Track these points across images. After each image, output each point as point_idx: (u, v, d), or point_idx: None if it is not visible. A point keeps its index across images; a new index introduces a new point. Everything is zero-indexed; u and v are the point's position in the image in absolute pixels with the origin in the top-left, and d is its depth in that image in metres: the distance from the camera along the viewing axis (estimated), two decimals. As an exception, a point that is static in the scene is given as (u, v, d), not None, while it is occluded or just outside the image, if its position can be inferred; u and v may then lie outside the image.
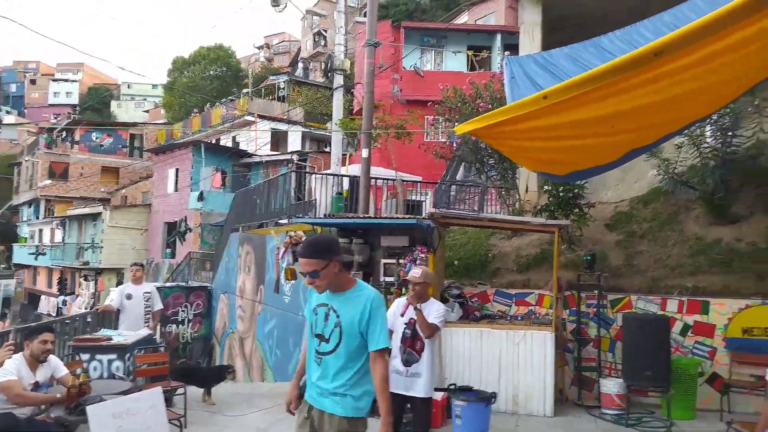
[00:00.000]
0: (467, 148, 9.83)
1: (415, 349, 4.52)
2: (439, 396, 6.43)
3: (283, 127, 29.52)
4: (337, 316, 3.01)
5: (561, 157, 4.13)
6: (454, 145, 11.84)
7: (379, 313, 2.97)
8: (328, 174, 12.69)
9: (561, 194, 8.51)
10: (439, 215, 7.52)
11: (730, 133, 8.01)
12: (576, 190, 8.53)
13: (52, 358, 4.30)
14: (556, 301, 7.27)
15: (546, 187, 8.69)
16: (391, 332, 4.65)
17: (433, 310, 4.61)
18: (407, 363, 4.51)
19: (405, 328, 4.60)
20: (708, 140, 8.38)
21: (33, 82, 79.11)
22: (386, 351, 3.00)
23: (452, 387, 4.18)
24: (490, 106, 9.67)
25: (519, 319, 7.51)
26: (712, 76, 3.26)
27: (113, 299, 7.47)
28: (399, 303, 4.80)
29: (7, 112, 66.99)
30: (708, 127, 8.30)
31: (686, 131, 7.90)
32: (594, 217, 8.85)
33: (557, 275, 7.25)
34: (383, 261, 8.02)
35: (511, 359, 6.95)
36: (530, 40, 10.25)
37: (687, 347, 7.23)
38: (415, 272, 4.66)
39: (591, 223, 8.74)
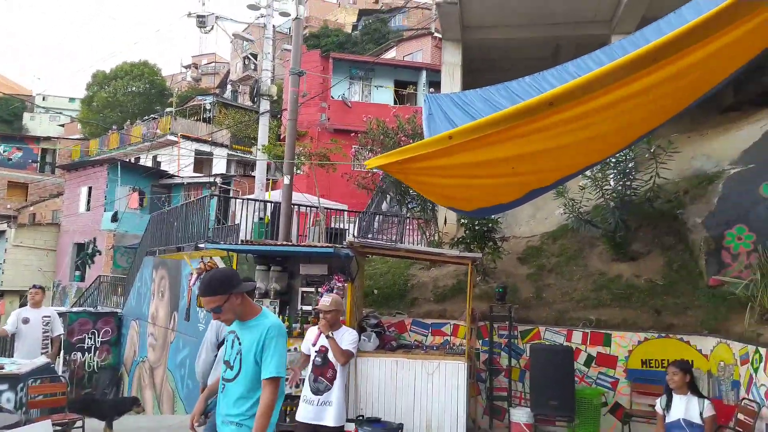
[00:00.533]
0: (389, 179, 10.03)
1: (326, 377, 4.54)
2: (352, 427, 6.44)
3: (207, 148, 28.91)
4: (239, 344, 3.08)
5: (466, 194, 4.33)
6: (380, 176, 12.05)
7: (273, 342, 3.00)
8: (250, 199, 12.53)
9: (476, 228, 8.82)
10: (359, 244, 7.58)
11: (630, 177, 8.63)
12: (490, 225, 8.88)
13: None
14: (470, 331, 7.47)
15: (463, 221, 8.99)
16: (308, 360, 4.67)
17: (346, 337, 4.65)
18: (317, 392, 4.53)
19: (316, 356, 4.63)
20: (610, 183, 8.99)
21: (-66, 87, 73.42)
22: (276, 380, 3.01)
23: (360, 418, 4.19)
24: (411, 141, 9.95)
25: (435, 348, 7.64)
26: (602, 125, 3.55)
27: (8, 323, 6.98)
28: (312, 331, 4.82)
29: None
30: (610, 171, 8.93)
31: (589, 173, 8.47)
32: (507, 251, 9.22)
33: (471, 306, 7.46)
34: (301, 289, 7.95)
35: (425, 389, 7.03)
36: (450, 80, 10.70)
37: (591, 377, 7.60)
38: (325, 300, 4.70)
39: (504, 256, 9.09)
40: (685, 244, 8.53)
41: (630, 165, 8.71)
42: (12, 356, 6.92)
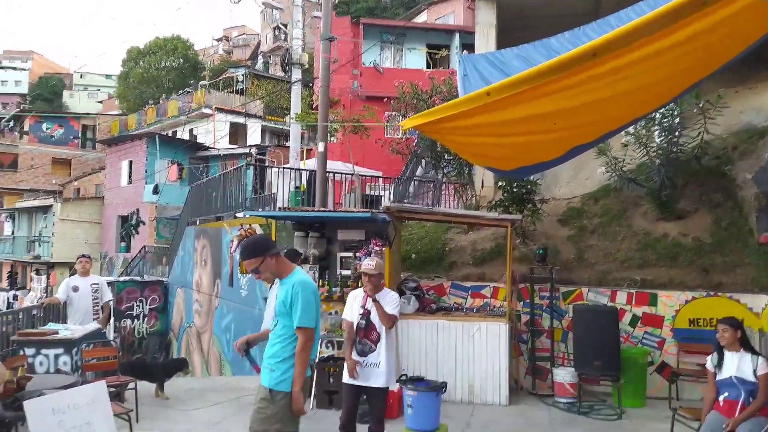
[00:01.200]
0: (424, 144, 9.89)
1: (371, 339, 4.54)
2: (395, 387, 6.51)
3: (241, 120, 29.10)
4: (276, 299, 3.52)
5: (505, 153, 4.20)
6: (414, 140, 11.92)
7: (299, 297, 3.33)
8: (286, 168, 12.59)
9: (515, 190, 8.67)
10: (395, 209, 7.55)
11: (676, 134, 8.32)
12: (529, 186, 8.72)
13: None
14: (510, 293, 7.41)
15: (501, 183, 8.84)
16: (351, 327, 4.67)
17: (389, 301, 4.63)
18: (362, 353, 4.54)
19: (360, 319, 4.62)
20: (655, 140, 8.68)
21: (-22, 69, 75.57)
22: (304, 330, 3.34)
23: (404, 377, 4.21)
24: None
25: (474, 311, 7.62)
26: (646, 76, 3.37)
27: (59, 291, 7.24)
28: (353, 296, 4.80)
29: (-49, 101, 63.84)
30: (655, 127, 8.60)
31: (632, 130, 8.18)
32: (547, 213, 9.05)
33: (511, 268, 7.39)
34: (340, 254, 8.00)
35: (467, 350, 7.06)
36: (485, 40, 10.39)
37: (636, 337, 7.48)
38: (369, 264, 4.66)
39: (544, 218, 8.94)
40: (733, 202, 8.23)
41: (676, 121, 8.38)
42: (65, 323, 7.21)
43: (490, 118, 3.47)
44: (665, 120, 8.36)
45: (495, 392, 6.98)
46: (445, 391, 4.02)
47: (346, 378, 4.60)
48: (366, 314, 4.59)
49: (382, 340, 4.55)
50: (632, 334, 7.51)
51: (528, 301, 7.86)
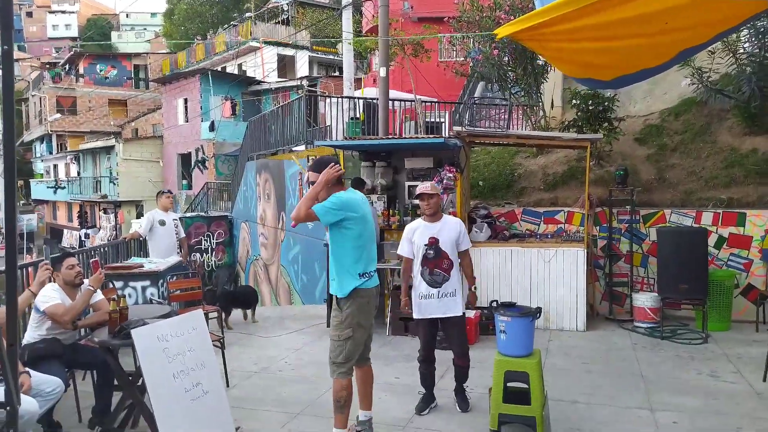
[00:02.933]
0: (489, 63, 9.39)
1: (443, 267, 4.36)
2: (471, 314, 6.49)
3: (289, 52, 28.65)
4: None
5: (608, 60, 3.84)
6: (471, 62, 11.36)
7: (328, 202, 3.65)
8: (345, 97, 12.33)
9: (590, 108, 8.19)
10: (466, 133, 7.28)
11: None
12: (606, 103, 8.22)
13: (86, 282, 4.27)
14: (587, 217, 7.14)
15: (574, 101, 8.35)
16: (410, 263, 4.47)
17: (455, 229, 4.41)
18: (434, 284, 4.35)
19: (426, 249, 4.37)
20: (745, 46, 7.94)
21: (29, 14, 76.85)
22: (312, 213, 3.65)
23: (494, 303, 4.11)
24: (511, 17, 9.15)
25: (549, 237, 7.42)
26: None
27: (142, 225, 7.41)
28: (414, 228, 4.49)
29: (8, 47, 65.37)
30: (744, 31, 7.83)
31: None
32: (623, 132, 8.56)
33: (588, 191, 7.08)
34: (407, 183, 7.87)
35: (542, 276, 6.93)
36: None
37: (722, 259, 7.15)
38: (426, 185, 4.43)
39: (620, 138, 8.47)
40: (834, 112, 7.54)
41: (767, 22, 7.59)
42: (146, 257, 7.45)
43: (595, 19, 3.14)
44: (759, 22, 7.58)
45: (572, 318, 6.88)
46: (539, 316, 3.91)
47: (420, 313, 4.41)
48: (432, 242, 4.36)
49: (454, 266, 4.38)
50: (717, 256, 7.19)
51: (605, 225, 7.58)
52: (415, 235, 4.45)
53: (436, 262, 4.37)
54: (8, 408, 1.90)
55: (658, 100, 9.60)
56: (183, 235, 7.76)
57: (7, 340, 1.91)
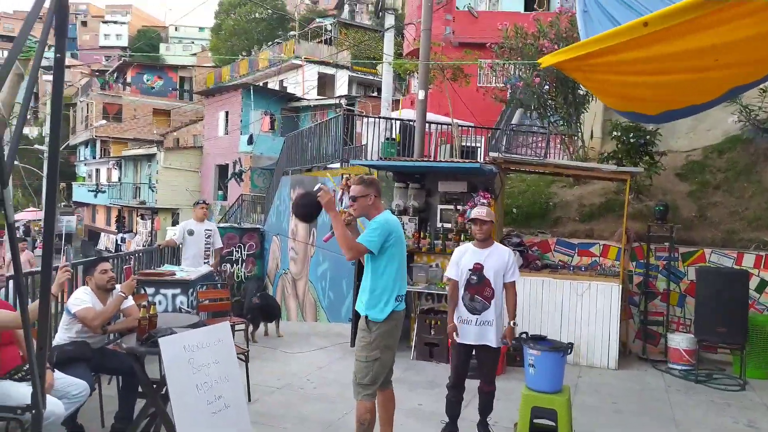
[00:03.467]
0: (529, 91, 9.34)
1: (484, 295, 4.28)
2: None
3: (330, 70, 29.08)
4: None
5: (655, 94, 3.76)
6: (511, 88, 11.32)
7: (374, 224, 3.66)
8: (382, 117, 12.40)
9: (631, 140, 8.04)
10: (502, 160, 7.22)
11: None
12: (648, 137, 8.06)
13: (118, 287, 4.32)
14: (623, 252, 6.96)
15: (615, 133, 8.22)
16: (456, 287, 4.42)
17: (503, 259, 4.32)
18: (474, 311, 4.28)
19: (470, 275, 4.32)
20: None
21: (84, 24, 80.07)
22: (360, 245, 3.63)
23: (524, 335, 4.01)
24: (555, 46, 9.11)
25: (583, 269, 7.25)
26: None
27: (176, 234, 7.59)
28: (463, 251, 4.46)
29: (62, 55, 68.01)
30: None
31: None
32: (664, 166, 8.37)
33: (626, 225, 6.92)
34: (440, 206, 7.82)
35: (574, 310, 6.77)
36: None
37: (763, 304, 6.88)
38: (481, 211, 4.34)
39: (661, 173, 8.28)
40: None
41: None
42: (178, 264, 7.56)
43: (644, 52, 3.07)
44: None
45: (603, 355, 6.68)
46: (570, 352, 3.80)
47: (458, 337, 4.35)
48: (479, 269, 4.31)
49: (496, 295, 4.29)
50: (758, 300, 6.91)
51: (642, 261, 7.38)
52: (462, 259, 4.42)
53: (477, 288, 4.30)
54: (33, 411, 1.90)
55: (702, 136, 9.38)
56: (218, 246, 7.86)
57: (38, 343, 1.92)
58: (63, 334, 4.08)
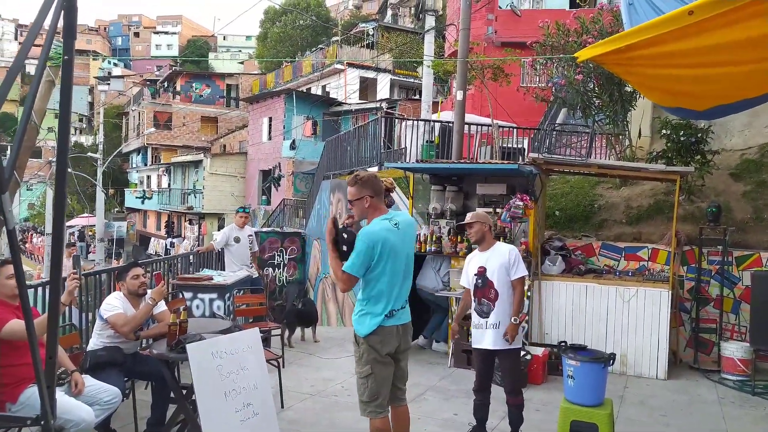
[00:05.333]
0: (572, 89, 9.03)
1: (489, 297, 4.23)
2: (539, 351, 6.13)
3: (371, 74, 29.13)
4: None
5: (703, 89, 3.50)
6: (554, 88, 11.00)
7: (357, 242, 3.33)
8: (420, 120, 12.27)
9: (681, 139, 7.66)
10: (542, 161, 6.98)
11: None
12: (699, 135, 7.66)
13: (149, 293, 4.32)
14: (673, 256, 6.61)
15: (664, 131, 7.84)
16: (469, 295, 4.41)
17: (503, 257, 4.24)
18: (482, 314, 4.25)
19: (476, 279, 4.29)
20: None
21: (137, 35, 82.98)
22: (345, 273, 3.36)
23: (563, 344, 3.82)
24: (599, 43, 8.78)
25: (629, 274, 6.93)
26: None
27: (217, 240, 7.82)
28: (469, 258, 4.50)
29: (115, 65, 70.94)
30: None
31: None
32: (717, 166, 7.94)
33: (676, 228, 6.57)
34: (478, 210, 7.62)
35: (620, 317, 6.47)
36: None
37: (827, 312, 6.39)
38: (468, 215, 4.41)
39: (714, 172, 7.85)
40: None
41: None
42: (218, 270, 7.64)
43: (689, 43, 2.85)
44: None
45: (652, 365, 6.35)
46: (613, 363, 3.58)
47: (474, 343, 4.36)
48: (482, 272, 4.26)
49: (501, 296, 4.20)
50: (822, 307, 6.42)
51: (694, 265, 7.00)
52: (470, 265, 4.45)
53: (483, 291, 4.29)
54: (42, 423, 1.87)
55: (758, 133, 8.85)
56: (256, 249, 8.02)
57: (47, 352, 1.89)
58: (96, 340, 4.13)
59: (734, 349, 6.27)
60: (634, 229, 7.89)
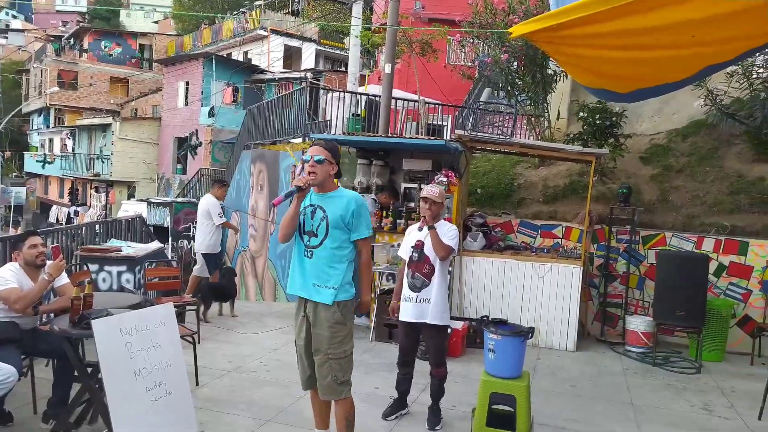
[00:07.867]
0: (497, 68, 9.15)
1: (423, 272, 4.19)
2: (459, 325, 6.24)
3: (296, 43, 28.35)
4: (324, 212, 3.32)
5: (628, 71, 3.60)
6: (479, 66, 11.11)
7: (362, 209, 3.34)
8: (347, 92, 12.06)
9: (597, 122, 7.96)
10: (468, 138, 7.03)
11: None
12: (613, 119, 8.00)
13: (45, 268, 3.95)
14: (585, 234, 6.91)
15: (581, 114, 8.13)
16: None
17: (446, 231, 4.20)
18: (414, 288, 4.21)
19: (412, 252, 4.25)
20: (759, 71, 7.75)
21: (39, -14, 76.12)
22: (367, 239, 3.39)
23: (484, 318, 3.87)
24: (525, 24, 8.91)
25: (545, 251, 7.18)
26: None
27: (222, 215, 8.24)
28: (411, 230, 4.41)
29: (14, 17, 64.92)
30: (759, 57, 7.63)
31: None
32: (628, 149, 8.34)
33: (589, 207, 6.85)
34: (403, 185, 7.62)
35: (535, 292, 6.70)
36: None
37: (720, 288, 6.94)
38: (433, 190, 4.22)
39: (625, 155, 8.25)
40: None
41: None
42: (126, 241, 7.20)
43: (620, 25, 2.88)
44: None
45: (562, 337, 6.65)
46: (532, 336, 3.66)
47: (401, 315, 4.31)
48: (419, 246, 4.22)
49: (435, 273, 4.19)
50: (716, 284, 6.97)
51: (603, 243, 7.35)
52: (409, 237, 4.38)
53: (417, 265, 4.23)
54: None
55: (666, 119, 9.39)
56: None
57: None
58: (-11, 314, 3.75)
59: (638, 323, 6.66)
60: (550, 207, 8.17)
